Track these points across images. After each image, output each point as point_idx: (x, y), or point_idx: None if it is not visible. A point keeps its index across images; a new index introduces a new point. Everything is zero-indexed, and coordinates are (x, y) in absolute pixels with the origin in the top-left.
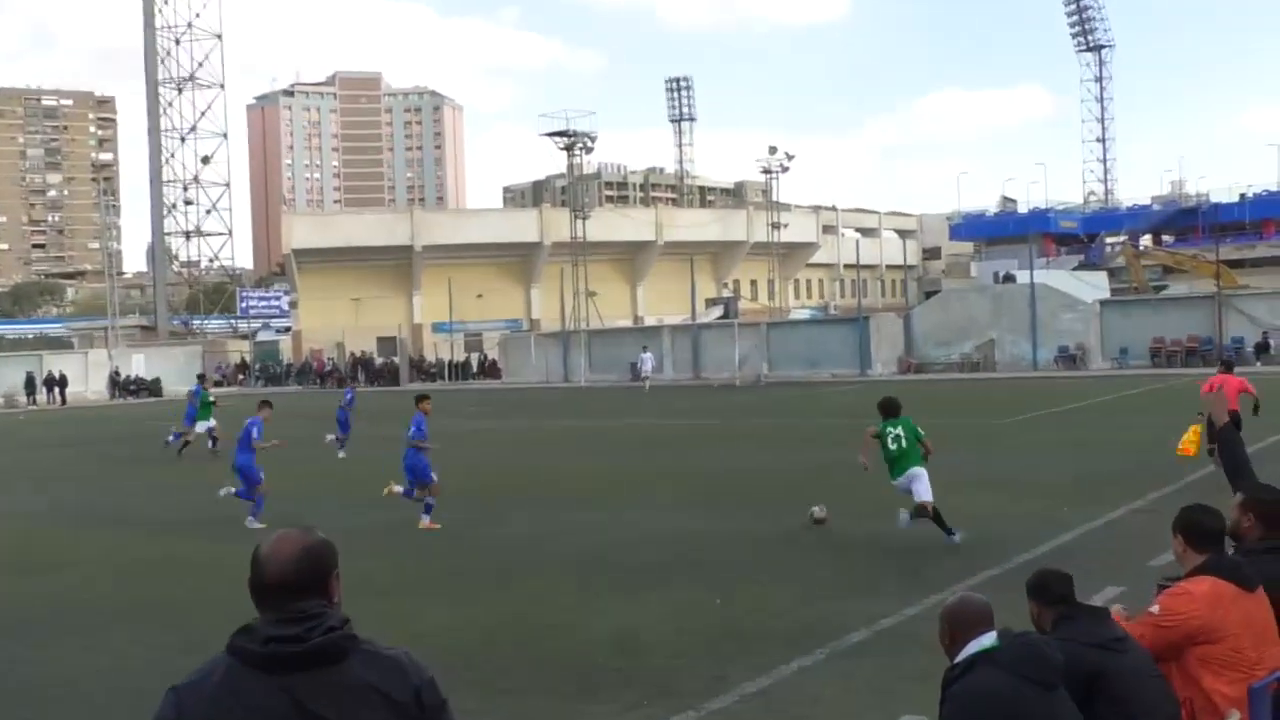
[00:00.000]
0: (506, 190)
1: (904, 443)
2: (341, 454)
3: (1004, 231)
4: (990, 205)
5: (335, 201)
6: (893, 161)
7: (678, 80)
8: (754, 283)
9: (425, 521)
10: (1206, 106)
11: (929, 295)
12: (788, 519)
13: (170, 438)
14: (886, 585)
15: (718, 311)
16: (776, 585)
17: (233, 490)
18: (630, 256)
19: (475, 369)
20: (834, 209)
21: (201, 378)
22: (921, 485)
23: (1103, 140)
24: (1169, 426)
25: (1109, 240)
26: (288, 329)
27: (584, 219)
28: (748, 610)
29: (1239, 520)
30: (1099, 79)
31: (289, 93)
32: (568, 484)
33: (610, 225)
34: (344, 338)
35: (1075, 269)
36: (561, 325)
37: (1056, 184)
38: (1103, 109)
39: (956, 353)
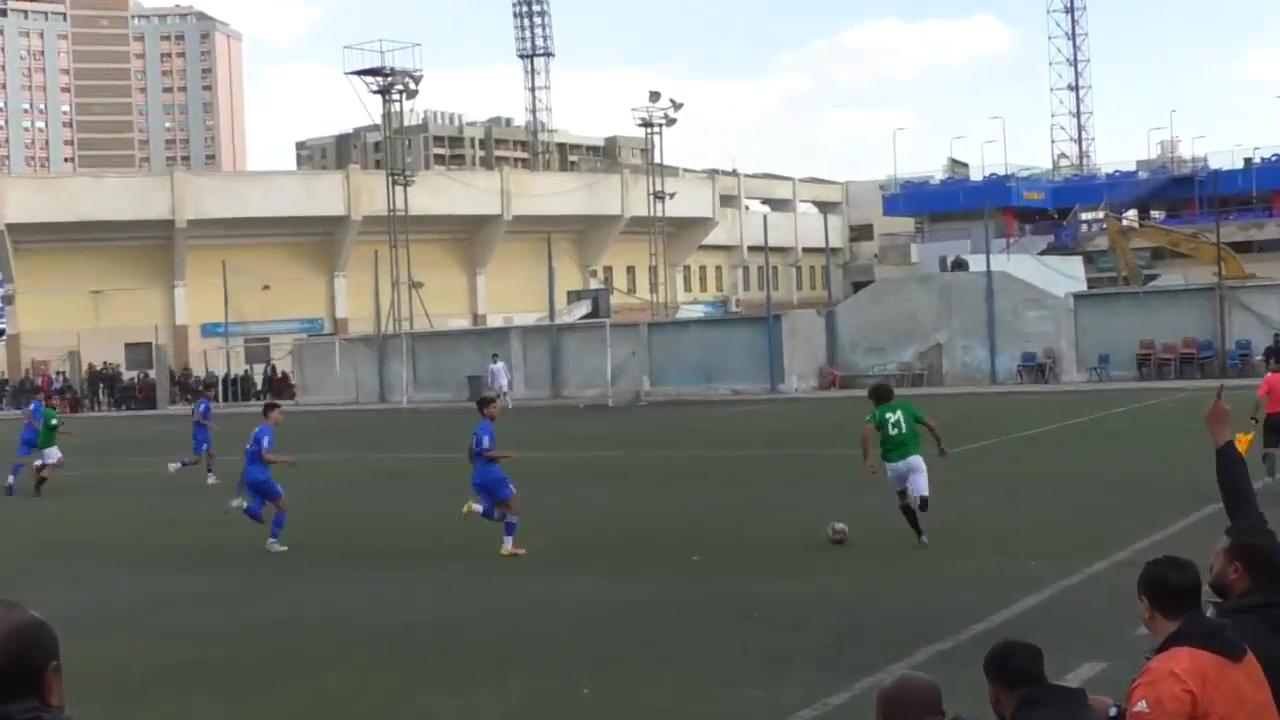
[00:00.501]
0: (301, 147)
1: (904, 428)
2: (213, 479)
3: (953, 205)
4: (935, 171)
5: (66, 160)
6: (811, 114)
7: (528, 4)
8: (631, 270)
9: (508, 546)
10: (1201, 49)
11: (858, 287)
12: (677, 583)
13: (10, 477)
14: (804, 665)
15: (584, 308)
16: (661, 668)
17: (243, 505)
18: (468, 236)
19: (260, 385)
20: (735, 174)
21: (48, 395)
22: (921, 479)
23: (1076, 89)
24: (1160, 457)
25: (1085, 216)
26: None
27: (405, 185)
28: (623, 702)
29: (1224, 570)
30: (1070, 8)
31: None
32: (392, 538)
33: (442, 194)
34: (79, 344)
35: (1043, 253)
36: (376, 327)
37: (1019, 144)
38: (1075, 48)
39: (893, 362)
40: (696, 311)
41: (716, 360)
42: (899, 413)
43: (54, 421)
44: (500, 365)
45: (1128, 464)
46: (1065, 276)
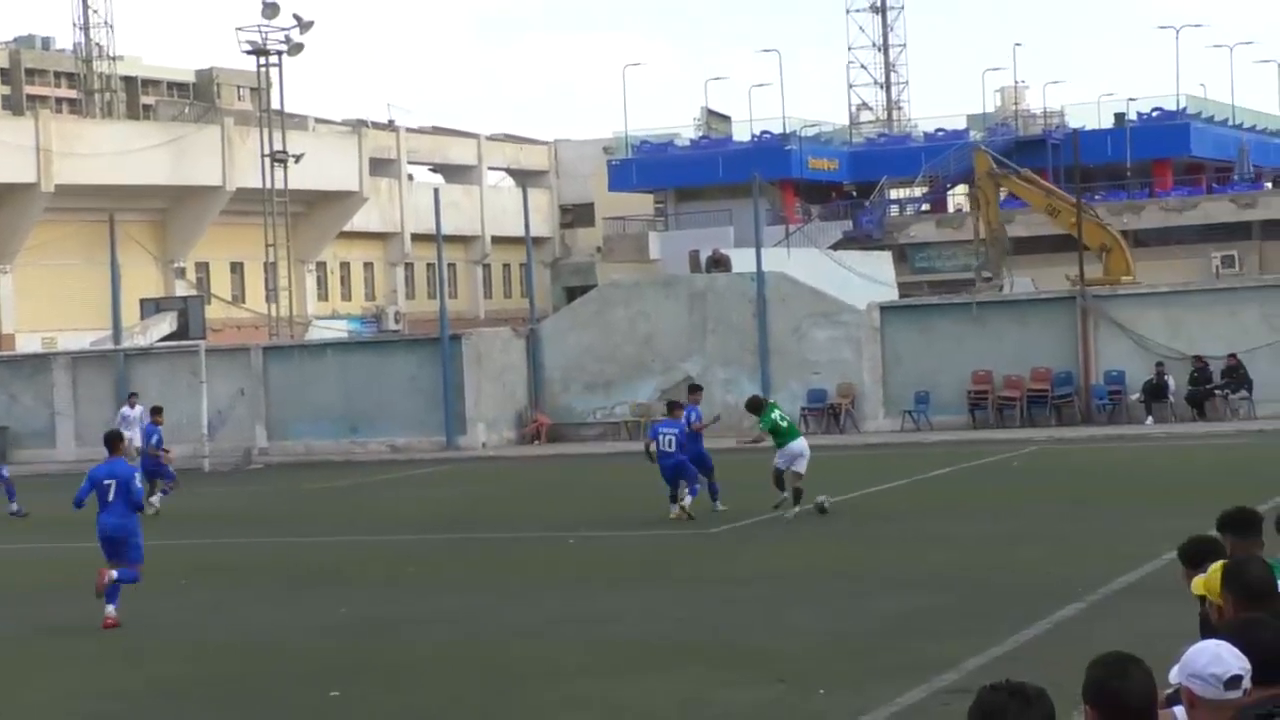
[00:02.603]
0: None
1: (788, 419)
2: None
3: (709, 176)
4: (684, 127)
5: None
6: (505, 43)
7: None
8: (238, 268)
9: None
10: None
11: (573, 295)
12: None
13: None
14: None
15: (166, 325)
16: None
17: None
18: None
19: None
20: (393, 129)
21: None
22: (804, 464)
23: (883, 10)
24: (1003, 538)
25: (896, 194)
26: None
27: None
28: None
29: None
30: None
31: None
32: None
33: None
34: None
35: (837, 245)
36: None
37: (802, 91)
38: None
39: (622, 404)
40: (337, 330)
41: (367, 402)
42: (778, 409)
43: None
44: (137, 410)
45: (956, 549)
46: (869, 280)
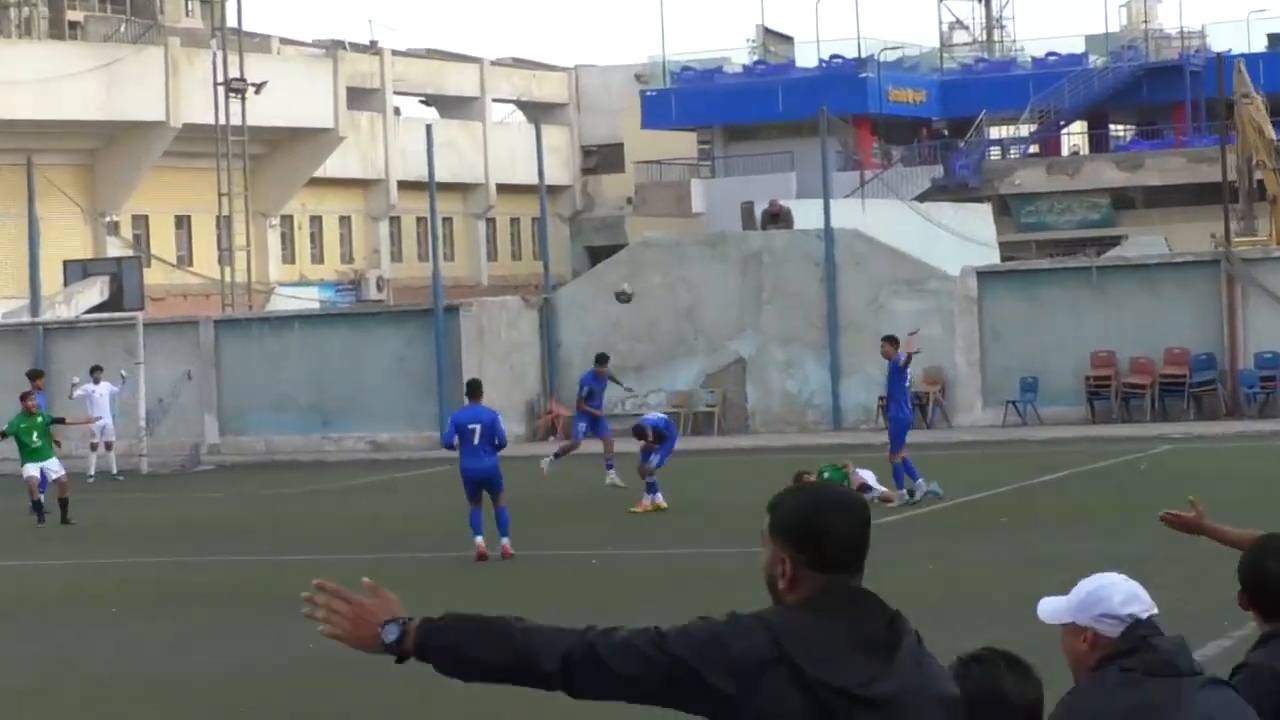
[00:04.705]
0: None
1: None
2: None
3: (765, 111)
4: (735, 49)
5: None
6: None
7: None
8: (185, 223)
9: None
10: None
11: (597, 258)
12: None
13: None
14: None
15: (96, 293)
16: None
17: None
18: None
19: None
20: (376, 50)
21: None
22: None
23: None
24: (1127, 557)
25: (994, 131)
26: None
27: None
28: None
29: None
30: None
31: None
32: None
33: None
34: None
35: (924, 196)
36: None
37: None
38: None
39: (658, 392)
40: (306, 299)
41: (342, 389)
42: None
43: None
44: (99, 387)
45: (1069, 573)
46: (963, 240)
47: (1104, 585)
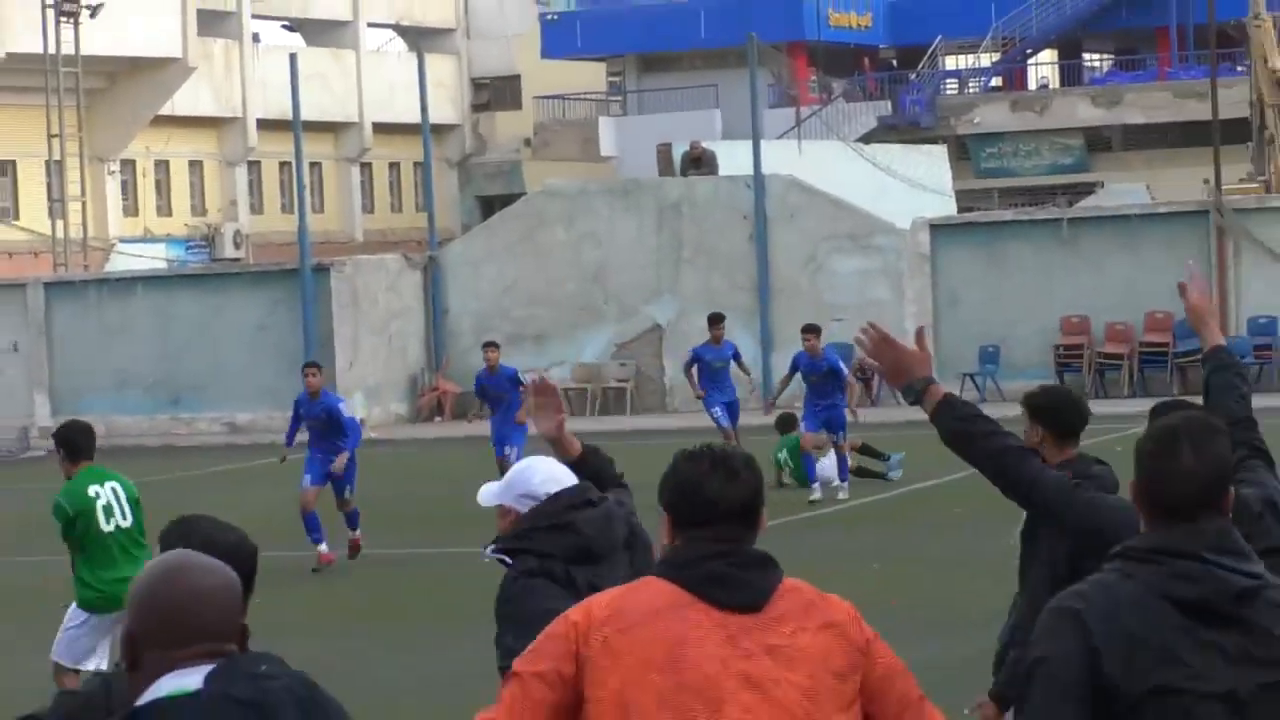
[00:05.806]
0: None
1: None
2: None
3: (685, 38)
4: None
5: None
6: None
7: None
8: (9, 169)
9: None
10: None
11: (489, 210)
12: None
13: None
14: None
15: None
16: None
17: None
18: None
19: None
20: None
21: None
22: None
23: None
24: None
25: (951, 61)
26: None
27: None
28: None
29: (1027, 435)
30: None
31: None
32: None
33: None
34: None
35: (870, 136)
36: None
37: None
38: None
39: (560, 364)
40: (152, 257)
41: (195, 363)
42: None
43: None
44: None
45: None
46: (915, 187)
47: (525, 468)
